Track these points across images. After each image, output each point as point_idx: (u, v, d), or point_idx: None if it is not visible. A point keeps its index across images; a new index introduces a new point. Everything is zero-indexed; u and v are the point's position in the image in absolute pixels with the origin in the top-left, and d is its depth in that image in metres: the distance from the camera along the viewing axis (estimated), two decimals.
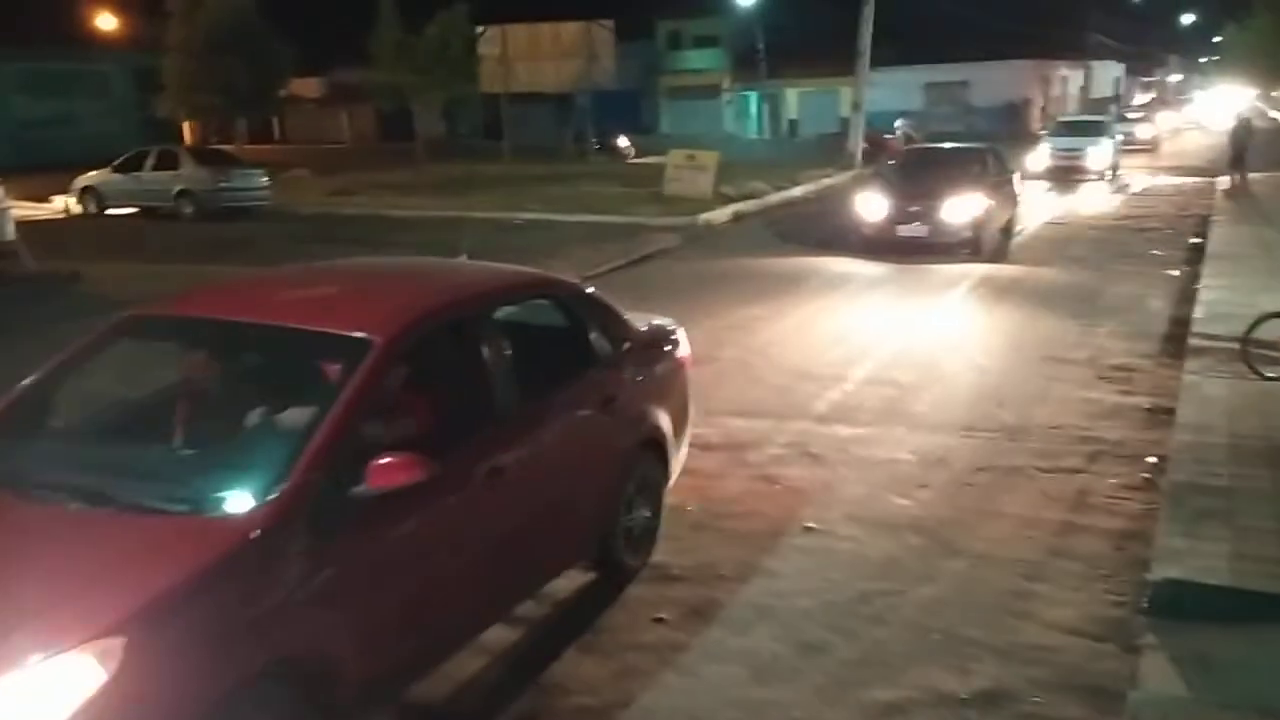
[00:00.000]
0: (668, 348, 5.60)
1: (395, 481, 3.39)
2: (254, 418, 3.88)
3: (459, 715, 4.15)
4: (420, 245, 13.88)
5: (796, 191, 24.06)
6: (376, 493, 3.40)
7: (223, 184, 21.77)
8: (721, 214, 19.96)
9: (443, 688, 4.16)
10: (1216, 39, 79.94)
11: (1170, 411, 7.10)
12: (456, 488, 3.88)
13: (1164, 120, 42.74)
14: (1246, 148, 21.44)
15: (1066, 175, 25.47)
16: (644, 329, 5.45)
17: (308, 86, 51.66)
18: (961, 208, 14.11)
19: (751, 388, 8.39)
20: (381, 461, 3.39)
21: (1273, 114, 59.43)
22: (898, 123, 41.33)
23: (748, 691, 4.18)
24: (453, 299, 4.41)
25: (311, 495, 3.30)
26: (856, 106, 24.19)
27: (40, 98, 37.00)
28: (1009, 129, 44.32)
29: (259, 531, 3.16)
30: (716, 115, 55.49)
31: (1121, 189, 23.97)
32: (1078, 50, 53.89)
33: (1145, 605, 4.61)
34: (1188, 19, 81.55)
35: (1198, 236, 15.52)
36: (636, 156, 35.53)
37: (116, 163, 22.88)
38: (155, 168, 22.22)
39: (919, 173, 15.72)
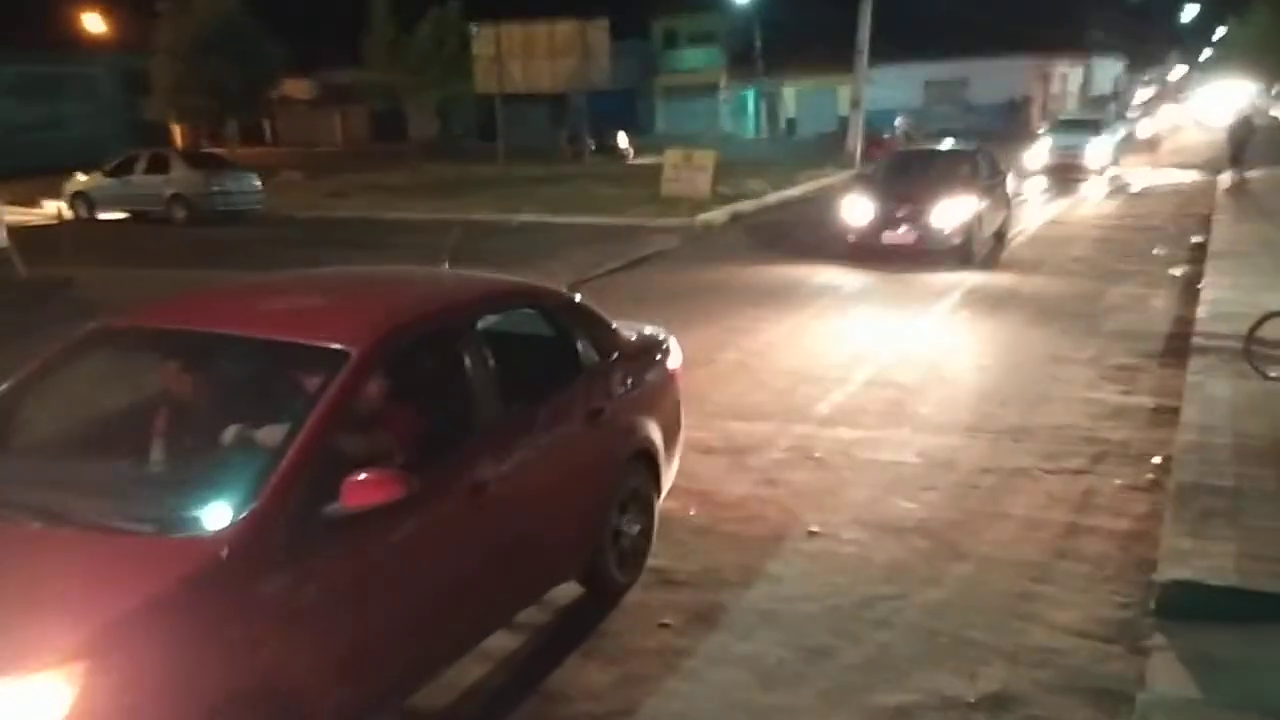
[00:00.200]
0: (658, 357, 5.47)
1: (371, 499, 3.29)
2: (227, 433, 3.76)
3: None
4: (415, 248, 13.83)
5: (795, 191, 24.02)
6: (352, 511, 3.29)
7: (215, 188, 21.63)
8: (719, 214, 19.90)
9: (444, 695, 4.12)
10: (1217, 35, 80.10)
11: (1174, 411, 7.06)
12: (437, 505, 3.76)
13: (1164, 117, 42.75)
14: (1246, 145, 21.41)
15: (1066, 173, 25.41)
16: (633, 338, 5.34)
17: (299, 87, 51.60)
18: (951, 213, 13.48)
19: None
20: (357, 478, 3.28)
21: (1274, 111, 59.44)
22: (897, 121, 41.33)
23: (753, 697, 4.15)
24: (432, 309, 4.30)
25: (283, 514, 3.19)
26: (855, 105, 24.14)
27: (28, 101, 36.87)
28: (1009, 127, 44.35)
29: (227, 552, 3.05)
30: (713, 114, 55.43)
31: (1122, 187, 23.94)
32: (1077, 47, 53.87)
33: (1152, 606, 4.59)
34: (1188, 15, 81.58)
35: (1200, 235, 15.48)
36: (635, 156, 35.49)
37: (107, 167, 22.77)
38: (146, 171, 22.09)
39: (907, 176, 15.07)
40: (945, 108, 51.12)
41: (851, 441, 7.05)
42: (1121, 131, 29.91)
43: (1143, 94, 66.76)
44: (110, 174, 22.60)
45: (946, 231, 13.44)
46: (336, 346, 3.66)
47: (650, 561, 5.24)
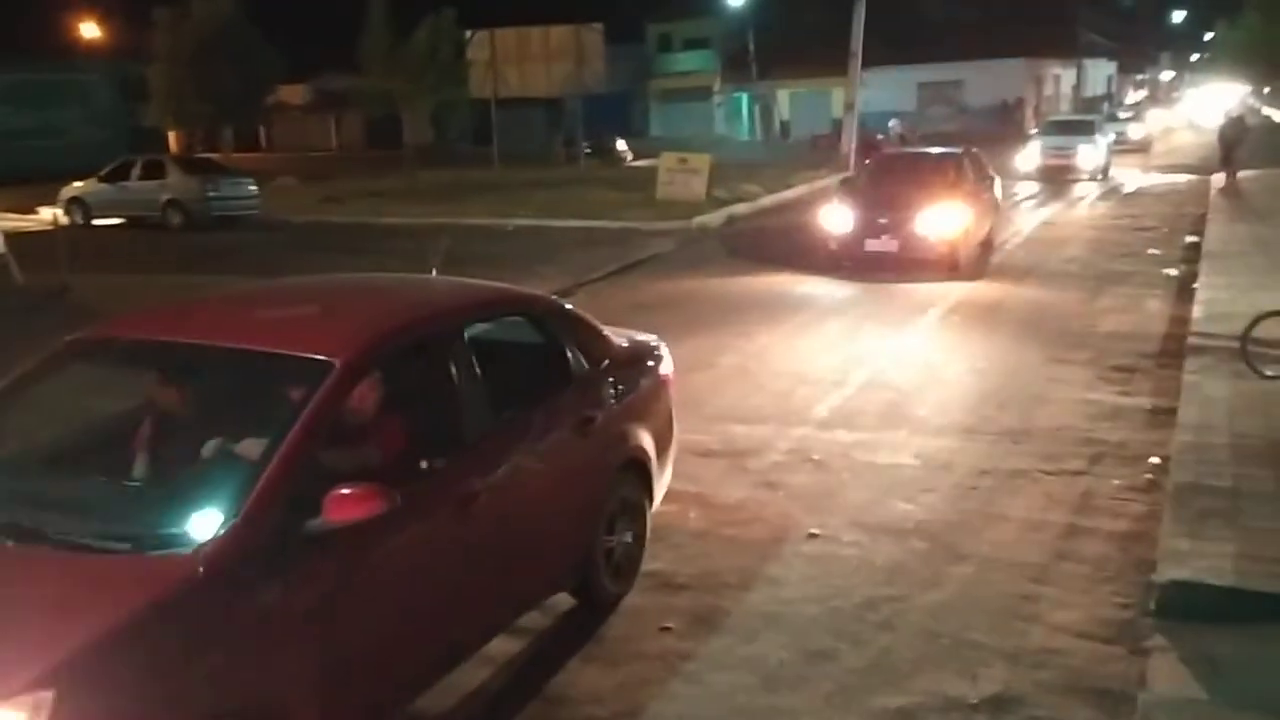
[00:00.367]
0: (649, 364, 5.40)
1: (354, 514, 3.21)
2: (207, 447, 3.66)
3: None
4: (409, 253, 13.80)
5: (790, 194, 24.06)
6: (335, 526, 3.21)
7: (211, 193, 21.65)
8: (715, 218, 19.94)
9: (446, 699, 4.11)
10: (1207, 36, 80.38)
11: (1171, 412, 7.08)
12: (423, 518, 3.68)
13: (1156, 119, 42.85)
14: (1236, 146, 21.48)
15: (1058, 175, 25.49)
16: (624, 345, 5.26)
17: (294, 93, 51.71)
18: (935, 220, 12.88)
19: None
20: (340, 493, 3.20)
21: (1266, 111, 59.69)
22: (891, 123, 41.46)
23: (756, 699, 4.15)
24: (418, 317, 4.22)
25: (263, 530, 3.11)
26: (849, 107, 24.16)
27: (24, 108, 36.84)
28: (1002, 128, 44.46)
29: (204, 571, 2.95)
30: (708, 117, 55.58)
31: (1115, 189, 24.01)
32: (1070, 49, 54.02)
33: (1152, 607, 4.60)
34: (1179, 17, 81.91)
35: (1194, 235, 15.53)
36: (634, 160, 35.52)
37: (103, 173, 22.76)
38: (142, 177, 22.10)
39: (890, 182, 14.39)
40: (939, 109, 51.30)
41: (850, 444, 7.06)
42: (1113, 133, 29.92)
43: (1135, 95, 67.00)
44: (106, 180, 22.60)
45: (931, 239, 12.89)
46: (319, 357, 3.58)
47: (651, 565, 5.25)
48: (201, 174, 22.39)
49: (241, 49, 31.88)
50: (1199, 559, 4.71)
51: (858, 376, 8.70)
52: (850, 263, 13.22)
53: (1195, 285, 11.20)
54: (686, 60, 57.82)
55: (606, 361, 4.96)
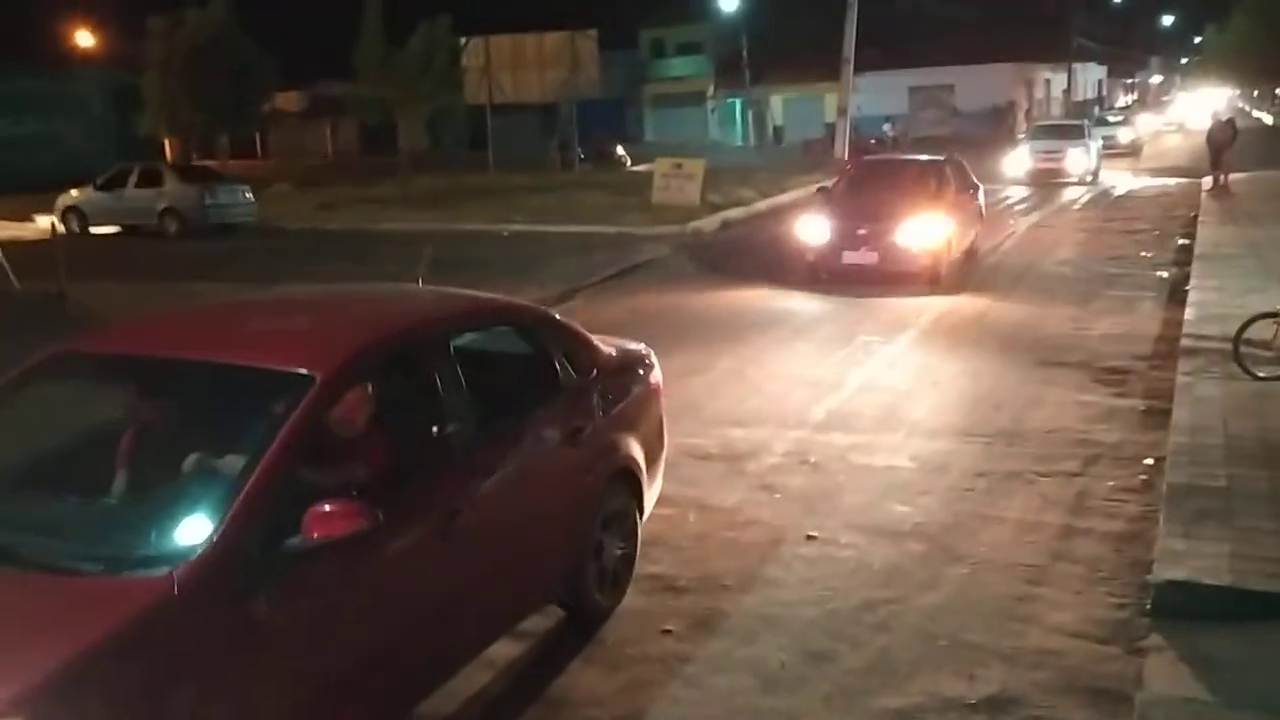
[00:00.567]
0: (639, 373, 5.35)
1: (335, 532, 3.14)
2: (185, 464, 3.55)
3: None
4: (405, 259, 13.82)
5: (784, 199, 24.11)
6: (315, 545, 3.14)
7: (207, 201, 21.64)
8: (710, 222, 19.99)
9: (447, 703, 4.12)
10: (1197, 40, 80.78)
11: (1165, 413, 7.13)
12: (408, 533, 3.62)
13: (1145, 122, 42.92)
14: (1224, 148, 21.57)
15: (1047, 179, 25.48)
16: (613, 354, 5.20)
17: (290, 100, 51.73)
18: (916, 231, 12.34)
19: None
20: (320, 510, 3.14)
21: (1256, 114, 59.97)
22: (885, 126, 41.64)
23: (756, 701, 4.18)
24: (402, 329, 4.14)
25: (240, 549, 3.03)
26: (842, 112, 24.25)
27: (19, 117, 36.82)
28: (994, 132, 44.63)
29: (179, 591, 2.87)
30: (701, 122, 55.73)
31: (1105, 192, 24.10)
32: (1060, 53, 54.29)
33: (1148, 607, 4.64)
34: (1168, 20, 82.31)
35: (1185, 237, 15.62)
36: (633, 164, 35.61)
37: (99, 181, 22.74)
38: (138, 185, 22.09)
39: (869, 191, 13.84)
40: (931, 113, 51.50)
41: (846, 447, 7.10)
42: (1103, 136, 29.98)
43: (1125, 99, 67.28)
44: (102, 188, 22.59)
45: (912, 251, 12.35)
46: (300, 371, 3.51)
47: (650, 568, 5.28)
48: (198, 182, 22.38)
49: (236, 57, 31.90)
50: (1195, 559, 4.75)
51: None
52: (828, 275, 12.77)
53: (1187, 287, 11.26)
54: (680, 66, 57.98)
55: (595, 371, 4.91)
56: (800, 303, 12.21)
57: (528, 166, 32.45)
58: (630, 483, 4.98)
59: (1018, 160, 26.76)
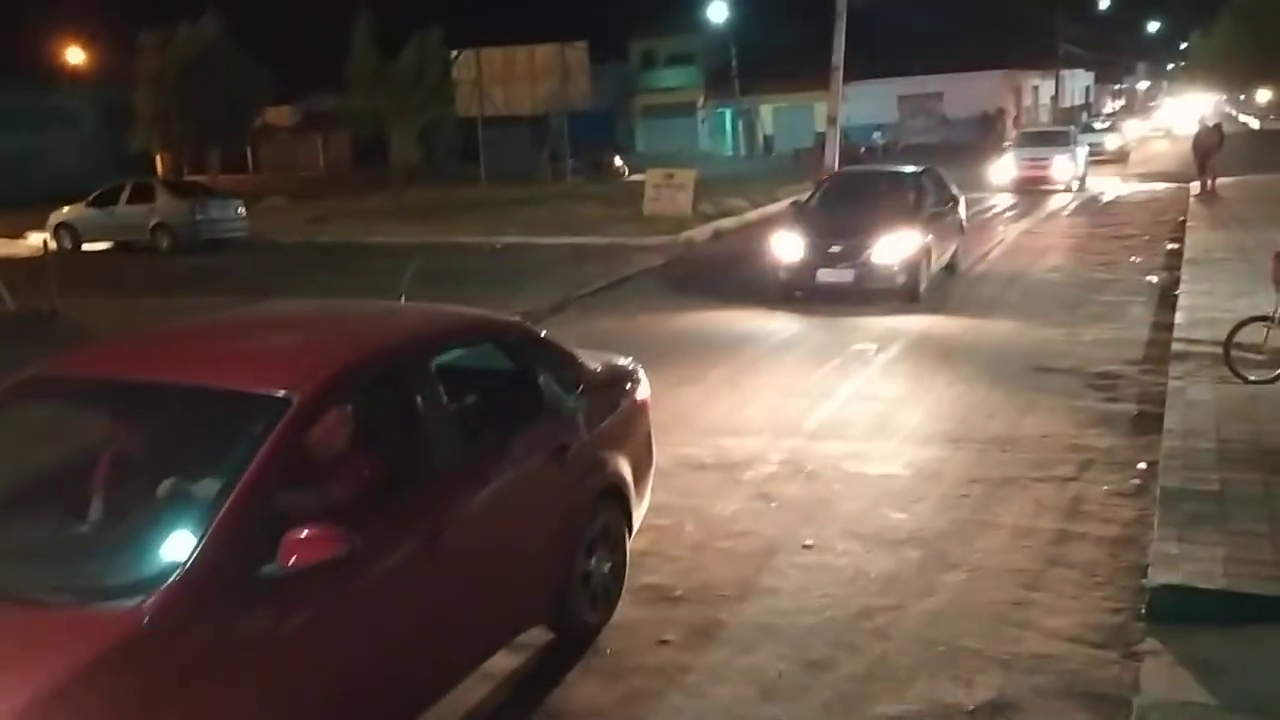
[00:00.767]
0: (626, 388, 5.29)
1: (312, 557, 3.06)
2: (160, 490, 3.43)
3: None
4: (397, 273, 13.81)
5: (775, 208, 24.16)
6: (292, 571, 3.07)
7: (199, 216, 21.64)
8: (702, 232, 20.05)
9: (446, 717, 4.11)
10: (1183, 45, 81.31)
11: (1157, 417, 7.16)
12: (389, 557, 3.55)
13: (1132, 128, 42.97)
14: (1211, 153, 21.69)
15: (1033, 186, 25.39)
16: (599, 369, 5.15)
17: (281, 115, 51.77)
18: (893, 246, 11.83)
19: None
20: (297, 536, 3.06)
21: (1242, 118, 60.35)
22: (874, 135, 41.84)
23: (756, 710, 4.19)
24: (381, 348, 4.05)
25: (214, 578, 2.96)
26: (831, 121, 24.28)
27: (11, 133, 36.75)
28: (983, 139, 44.84)
29: (149, 623, 2.79)
30: (692, 133, 55.88)
31: (1094, 198, 24.19)
32: (1048, 60, 54.63)
33: (1143, 611, 4.66)
34: (1154, 26, 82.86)
35: (1174, 242, 15.71)
36: (630, 174, 35.72)
37: (91, 197, 22.70)
38: (130, 201, 22.04)
39: (844, 205, 13.33)
40: (920, 121, 51.76)
41: (841, 455, 7.13)
42: (1089, 143, 29.98)
43: (1113, 105, 67.68)
44: (94, 204, 22.55)
45: (889, 268, 11.86)
46: (276, 393, 3.43)
47: (648, 578, 5.30)
48: (189, 197, 22.37)
49: (227, 72, 31.94)
50: (1189, 563, 4.77)
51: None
52: (802, 294, 12.28)
53: (1177, 292, 11.33)
54: (670, 77, 58.17)
55: (581, 387, 4.85)
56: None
57: (519, 178, 32.51)
58: (618, 500, 4.92)
59: (1003, 168, 26.67)
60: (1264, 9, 46.12)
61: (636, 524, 5.18)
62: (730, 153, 53.93)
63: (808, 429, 7.74)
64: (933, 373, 9.21)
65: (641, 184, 23.78)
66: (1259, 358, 7.72)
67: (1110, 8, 66.09)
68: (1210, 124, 23.49)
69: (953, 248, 13.81)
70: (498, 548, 4.14)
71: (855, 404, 8.35)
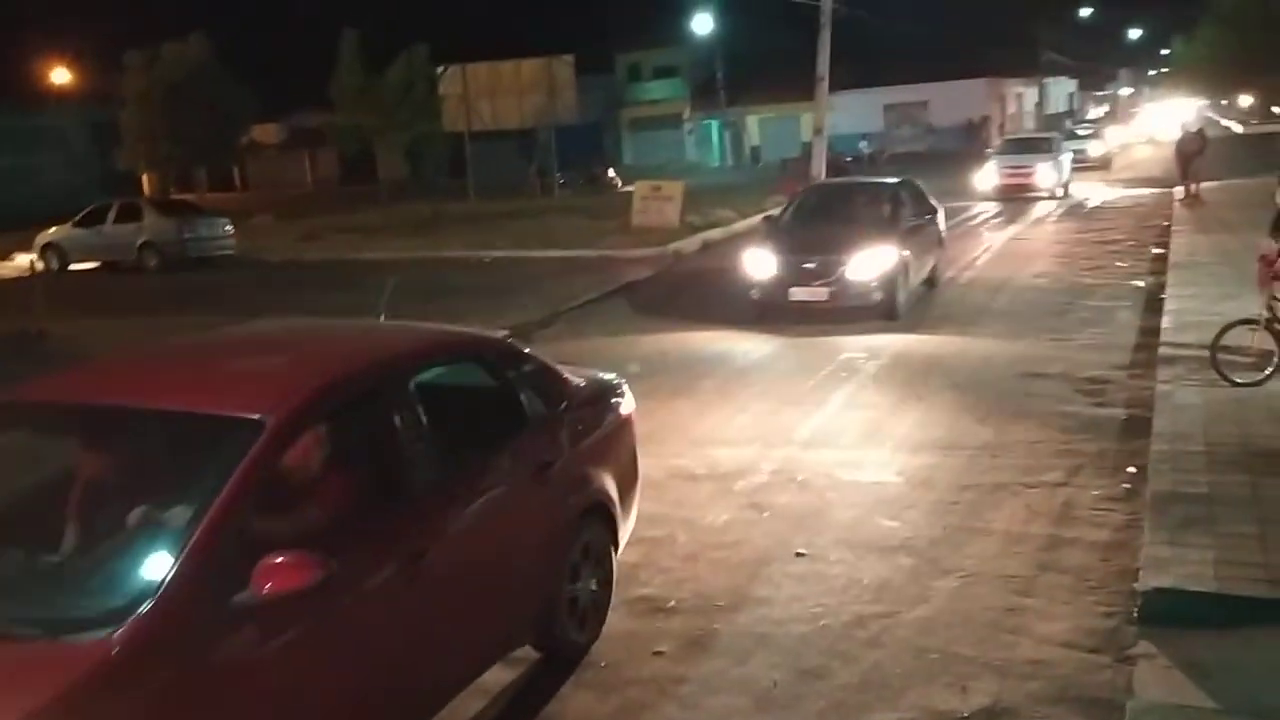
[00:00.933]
0: (610, 403, 5.23)
1: (286, 585, 2.99)
2: (130, 518, 3.34)
3: None
4: (386, 288, 13.78)
5: (761, 219, 24.20)
6: (265, 599, 2.99)
7: (187, 234, 21.64)
8: (690, 243, 20.08)
9: None
10: (1165, 52, 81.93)
11: (1146, 421, 7.20)
12: (368, 581, 3.49)
13: (1115, 135, 43.06)
14: (1193, 158, 21.82)
15: (1017, 194, 25.23)
16: (582, 384, 5.09)
17: (267, 132, 51.79)
18: (868, 262, 11.37)
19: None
20: (270, 562, 2.99)
21: (1225, 123, 60.80)
22: (861, 144, 42.03)
23: None
24: (358, 369, 3.95)
25: (186, 608, 2.89)
26: (818, 131, 24.38)
27: None
28: (969, 146, 45.05)
29: (119, 656, 2.73)
30: (679, 144, 56.04)
31: (1079, 205, 24.28)
32: (1031, 68, 55.02)
33: (1135, 615, 4.67)
34: (1136, 33, 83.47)
35: (1159, 247, 15.80)
36: (623, 186, 35.80)
37: (78, 217, 22.66)
38: (117, 221, 22.02)
39: (818, 219, 12.90)
40: (906, 130, 52.03)
41: (834, 463, 7.14)
42: (1073, 149, 29.95)
43: (1096, 111, 68.09)
44: (81, 224, 22.53)
45: (865, 285, 11.39)
46: (249, 416, 3.36)
47: (641, 589, 5.30)
48: (177, 215, 22.37)
49: (213, 90, 31.98)
50: (1180, 566, 4.79)
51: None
52: (775, 313, 11.77)
53: (1163, 296, 11.39)
54: (656, 89, 58.36)
55: (564, 403, 4.80)
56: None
57: (507, 192, 32.58)
58: (603, 517, 4.87)
59: (986, 176, 26.49)
60: (1245, 14, 46.53)
61: (623, 541, 5.13)
62: (717, 164, 54.07)
63: (801, 437, 7.75)
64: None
65: (623, 196, 23.85)
66: (1246, 360, 7.76)
67: (1092, 15, 66.68)
68: (1193, 129, 23.64)
69: (932, 261, 13.40)
70: (481, 569, 4.08)
71: (841, 415, 8.35)
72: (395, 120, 32.52)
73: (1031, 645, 4.63)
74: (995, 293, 13.39)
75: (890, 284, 11.49)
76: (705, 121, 56.18)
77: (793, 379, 9.51)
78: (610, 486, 4.92)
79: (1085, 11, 64.09)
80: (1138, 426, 7.36)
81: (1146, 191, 25.73)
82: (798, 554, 5.69)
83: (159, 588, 2.90)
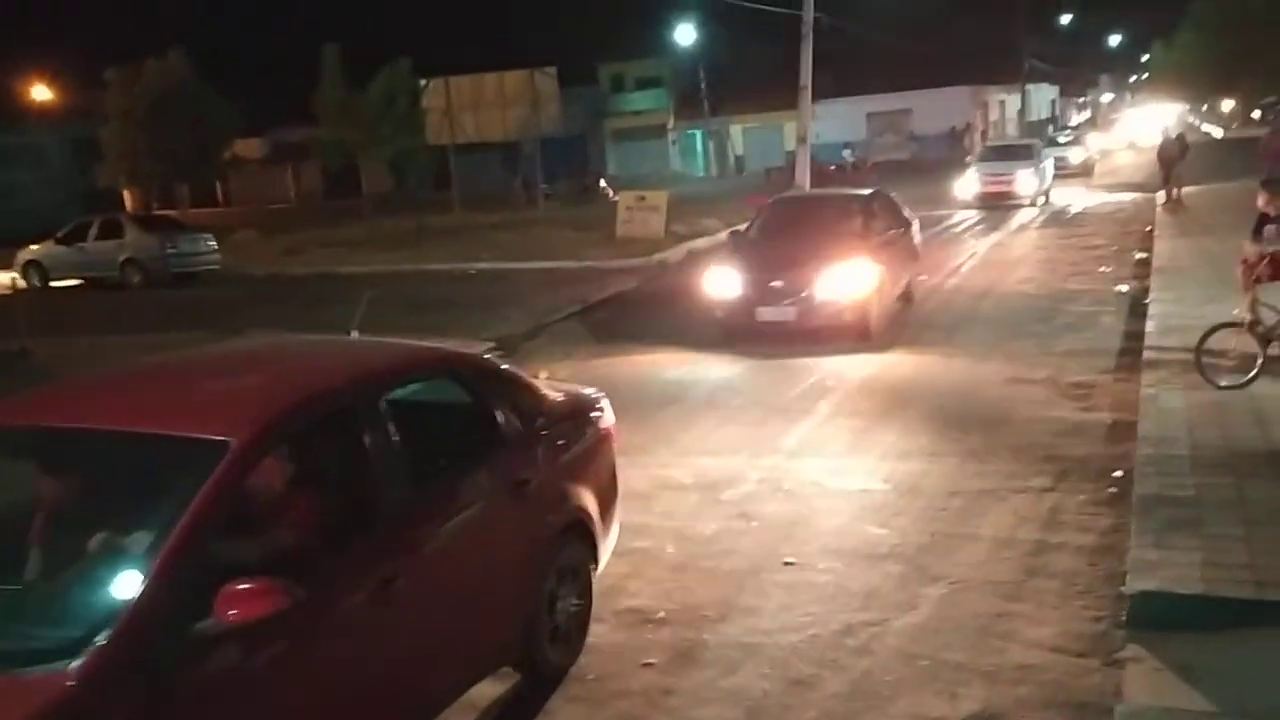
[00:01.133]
0: (589, 418, 5.14)
1: (250, 613, 2.92)
2: (91, 544, 3.25)
3: None
4: (371, 302, 13.71)
5: (727, 234, 24.26)
6: (230, 627, 2.92)
7: (170, 250, 21.51)
8: (675, 253, 20.11)
9: None
10: (1145, 57, 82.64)
11: (1131, 425, 7.22)
12: (338, 606, 3.41)
13: (1096, 141, 43.29)
14: (1175, 163, 21.98)
15: (998, 201, 25.22)
16: (560, 399, 5.01)
17: (250, 147, 51.58)
18: (839, 280, 10.70)
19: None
20: (234, 589, 2.91)
21: (1205, 127, 61.28)
22: (844, 152, 42.22)
23: None
24: (327, 388, 3.86)
25: (147, 637, 2.82)
26: (801, 139, 24.47)
27: None
28: (951, 153, 45.32)
29: (76, 688, 2.66)
30: (663, 155, 56.19)
31: (1061, 211, 24.40)
32: (1013, 75, 55.36)
33: (1123, 618, 4.68)
34: (1116, 40, 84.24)
35: (1143, 252, 15.89)
36: (615, 196, 35.86)
37: (60, 234, 22.53)
38: (99, 237, 21.90)
39: (786, 235, 12.08)
40: (889, 138, 52.28)
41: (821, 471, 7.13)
42: (1054, 156, 30.03)
43: (1078, 118, 68.61)
44: (63, 241, 22.38)
45: (835, 304, 10.74)
46: (214, 437, 3.28)
47: (630, 601, 5.28)
48: (159, 232, 22.23)
49: (195, 106, 31.90)
50: (1167, 569, 4.80)
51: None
52: (741, 334, 11.10)
53: (1147, 300, 11.44)
54: (640, 99, 58.51)
55: (541, 419, 4.70)
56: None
57: (492, 205, 32.57)
58: (582, 534, 4.79)
59: (966, 184, 26.42)
60: (1224, 19, 46.99)
61: (603, 558, 5.06)
62: (702, 173, 54.22)
63: (787, 447, 7.74)
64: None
65: (608, 207, 23.87)
66: (1230, 363, 7.80)
67: (1073, 22, 67.21)
68: (1174, 134, 23.80)
69: (907, 277, 12.81)
70: (456, 590, 4.01)
71: (823, 427, 8.35)
72: (378, 134, 32.47)
73: (1020, 650, 4.63)
74: (979, 299, 13.43)
75: (862, 302, 10.80)
76: (689, 131, 56.36)
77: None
78: (590, 503, 4.84)
79: (1066, 18, 64.60)
80: (1123, 431, 7.38)
81: (1128, 197, 25.91)
82: (786, 563, 5.68)
83: (118, 617, 2.83)
